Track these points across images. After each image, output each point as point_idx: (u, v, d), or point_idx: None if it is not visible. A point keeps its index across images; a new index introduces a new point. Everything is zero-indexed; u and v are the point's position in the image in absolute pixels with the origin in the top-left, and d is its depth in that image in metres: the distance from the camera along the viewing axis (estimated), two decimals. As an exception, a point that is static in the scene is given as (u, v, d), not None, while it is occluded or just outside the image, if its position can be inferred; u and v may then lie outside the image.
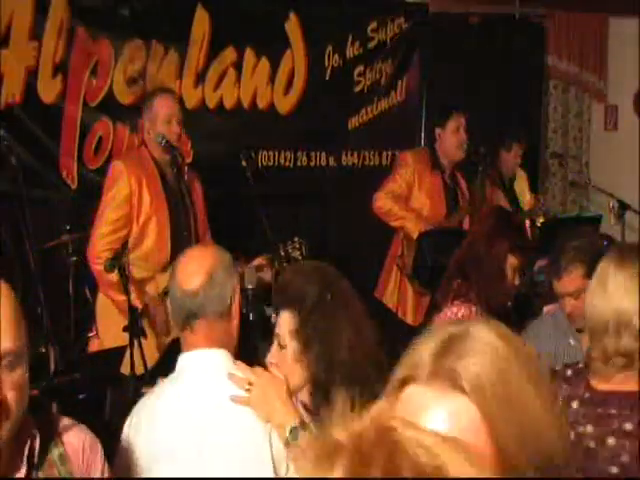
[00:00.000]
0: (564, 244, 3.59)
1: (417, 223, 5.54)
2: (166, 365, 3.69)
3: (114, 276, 4.00)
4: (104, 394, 3.78)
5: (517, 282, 3.71)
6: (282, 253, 4.55)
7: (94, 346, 4.40)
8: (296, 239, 4.58)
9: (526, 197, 6.51)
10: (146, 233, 4.40)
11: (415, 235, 5.51)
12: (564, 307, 3.55)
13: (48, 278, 4.23)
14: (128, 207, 4.39)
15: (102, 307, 4.41)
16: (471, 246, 3.77)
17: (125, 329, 3.81)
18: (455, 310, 3.61)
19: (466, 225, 5.70)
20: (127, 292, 3.85)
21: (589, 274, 3.34)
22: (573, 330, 3.58)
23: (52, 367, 3.69)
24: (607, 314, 2.28)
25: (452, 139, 5.65)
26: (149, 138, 4.51)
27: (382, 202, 5.62)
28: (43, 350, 3.68)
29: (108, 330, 4.31)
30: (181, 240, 4.45)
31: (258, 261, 4.49)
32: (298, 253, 4.55)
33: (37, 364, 3.73)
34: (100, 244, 4.33)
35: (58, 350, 3.80)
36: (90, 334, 4.41)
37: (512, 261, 3.66)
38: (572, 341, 3.59)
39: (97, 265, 4.31)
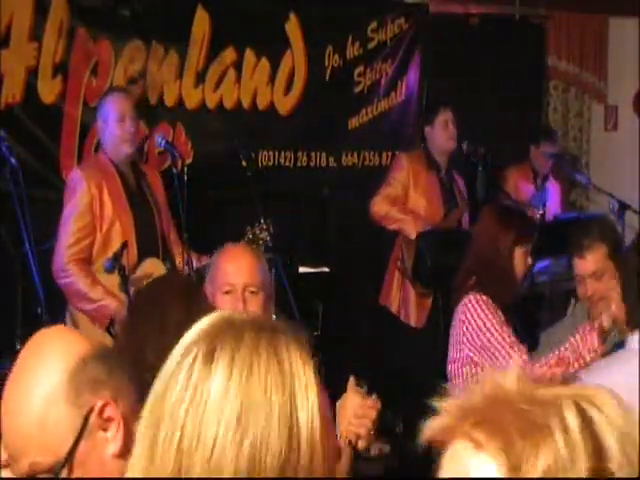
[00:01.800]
0: (585, 223, 3.56)
1: (414, 225, 5.54)
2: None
3: (114, 277, 4.00)
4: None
5: (527, 268, 3.64)
6: (250, 236, 4.49)
7: None
8: (262, 220, 4.51)
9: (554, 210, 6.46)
10: (111, 238, 4.31)
11: (413, 237, 5.51)
12: (584, 292, 3.48)
13: (48, 278, 4.22)
14: (90, 215, 4.32)
15: (76, 319, 4.33)
16: (477, 251, 3.70)
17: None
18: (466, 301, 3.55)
19: (465, 225, 5.70)
20: (127, 292, 3.85)
21: (611, 255, 3.36)
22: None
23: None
24: None
25: (441, 133, 5.65)
26: (104, 140, 4.47)
27: (378, 207, 5.64)
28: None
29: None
30: (147, 241, 4.42)
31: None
32: (266, 234, 4.48)
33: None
34: (66, 256, 4.26)
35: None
36: None
37: (519, 252, 3.58)
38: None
39: (63, 279, 4.26)
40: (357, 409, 2.38)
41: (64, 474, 1.46)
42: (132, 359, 2.08)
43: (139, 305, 2.28)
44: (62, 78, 5.33)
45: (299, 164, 6.32)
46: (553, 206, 6.46)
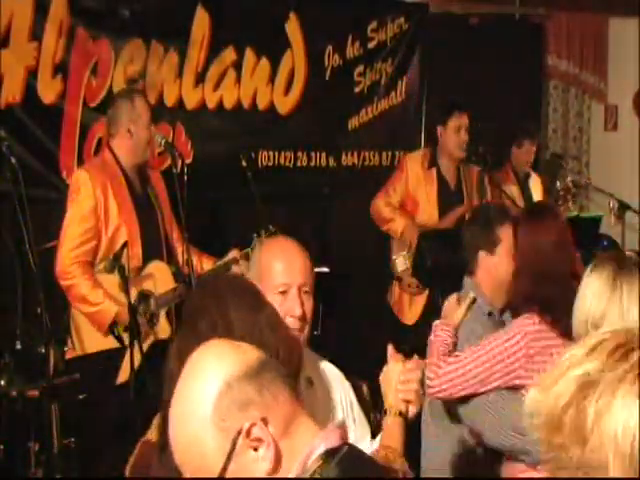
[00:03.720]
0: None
1: (406, 226, 5.58)
2: (150, 368, 3.71)
3: (114, 277, 4.00)
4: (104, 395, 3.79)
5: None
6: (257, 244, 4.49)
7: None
8: (271, 227, 4.49)
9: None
10: (116, 241, 4.28)
11: (400, 236, 5.60)
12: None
13: (48, 278, 4.22)
14: (94, 219, 4.29)
15: (78, 320, 4.35)
16: (540, 274, 3.18)
17: (125, 329, 3.81)
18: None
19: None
20: (127, 292, 3.85)
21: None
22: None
23: (52, 367, 3.69)
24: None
25: (453, 138, 5.67)
26: (122, 142, 4.42)
27: (375, 208, 5.71)
28: (43, 350, 3.68)
29: (90, 338, 4.25)
30: (152, 244, 4.41)
31: (232, 254, 4.43)
32: None
33: (37, 364, 3.73)
34: (68, 258, 4.25)
35: (58, 350, 3.80)
36: (66, 348, 4.38)
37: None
38: None
39: (66, 281, 4.25)
40: (400, 376, 2.34)
41: None
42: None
43: (202, 301, 2.20)
44: (62, 78, 5.33)
45: (299, 164, 6.32)
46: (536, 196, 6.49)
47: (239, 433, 1.47)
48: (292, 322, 2.49)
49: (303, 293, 2.55)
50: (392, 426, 2.35)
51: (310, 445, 1.52)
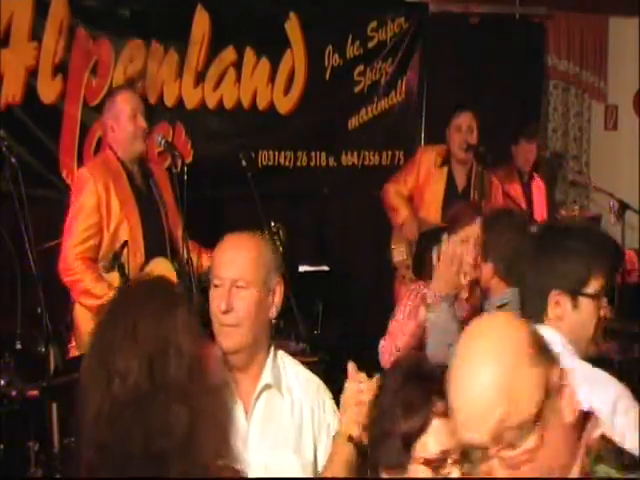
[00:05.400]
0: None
1: (407, 218, 5.63)
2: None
3: (114, 276, 4.00)
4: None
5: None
6: None
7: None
8: (273, 224, 4.48)
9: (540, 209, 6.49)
10: (119, 238, 4.28)
11: (400, 227, 5.66)
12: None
13: (48, 278, 4.22)
14: (97, 216, 4.30)
15: (81, 317, 4.35)
16: None
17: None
18: None
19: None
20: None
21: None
22: None
23: (52, 367, 3.69)
24: None
25: (453, 137, 5.69)
26: (114, 138, 4.43)
27: (384, 192, 5.81)
28: (43, 350, 3.68)
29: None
30: (155, 241, 4.41)
31: None
32: (276, 238, 4.48)
33: (37, 364, 3.73)
34: (71, 255, 4.26)
35: (58, 350, 3.80)
36: (70, 345, 4.38)
37: (453, 241, 3.42)
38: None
39: (69, 277, 4.26)
40: (354, 398, 2.22)
41: (532, 431, 1.53)
42: (100, 362, 2.03)
43: (114, 308, 2.13)
44: (62, 78, 5.33)
45: (299, 164, 6.32)
46: (539, 204, 6.47)
47: (551, 373, 1.57)
48: (221, 317, 2.46)
49: (235, 287, 2.46)
50: (337, 451, 2.24)
51: None
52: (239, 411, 2.49)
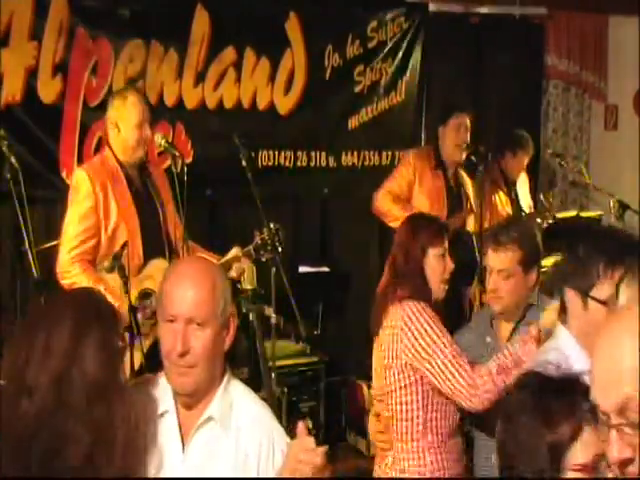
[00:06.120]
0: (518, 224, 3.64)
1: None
2: (150, 367, 3.71)
3: (115, 277, 4.00)
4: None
5: (446, 270, 3.55)
6: (258, 241, 4.45)
7: None
8: (272, 225, 4.47)
9: (527, 201, 6.52)
10: (117, 240, 4.26)
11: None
12: (488, 284, 3.53)
13: (48, 278, 4.22)
14: (94, 218, 4.28)
15: None
16: (392, 262, 3.59)
17: (126, 329, 3.80)
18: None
19: (470, 227, 5.70)
20: (127, 292, 3.85)
21: (522, 262, 3.46)
22: (489, 327, 3.61)
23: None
24: None
25: (452, 137, 5.67)
26: (117, 139, 4.40)
27: (380, 202, 5.65)
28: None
29: None
30: (153, 242, 4.39)
31: (234, 252, 4.42)
32: (276, 239, 4.46)
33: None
34: (68, 257, 4.24)
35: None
36: None
37: (435, 252, 3.51)
38: (488, 338, 3.59)
39: (67, 279, 4.24)
40: (299, 454, 2.14)
41: None
42: (10, 377, 2.01)
43: (30, 321, 2.09)
44: (62, 78, 5.33)
45: (299, 164, 6.32)
46: (524, 196, 6.49)
47: None
48: (176, 359, 2.30)
49: (192, 327, 2.31)
50: None
51: None
52: (176, 443, 2.36)
